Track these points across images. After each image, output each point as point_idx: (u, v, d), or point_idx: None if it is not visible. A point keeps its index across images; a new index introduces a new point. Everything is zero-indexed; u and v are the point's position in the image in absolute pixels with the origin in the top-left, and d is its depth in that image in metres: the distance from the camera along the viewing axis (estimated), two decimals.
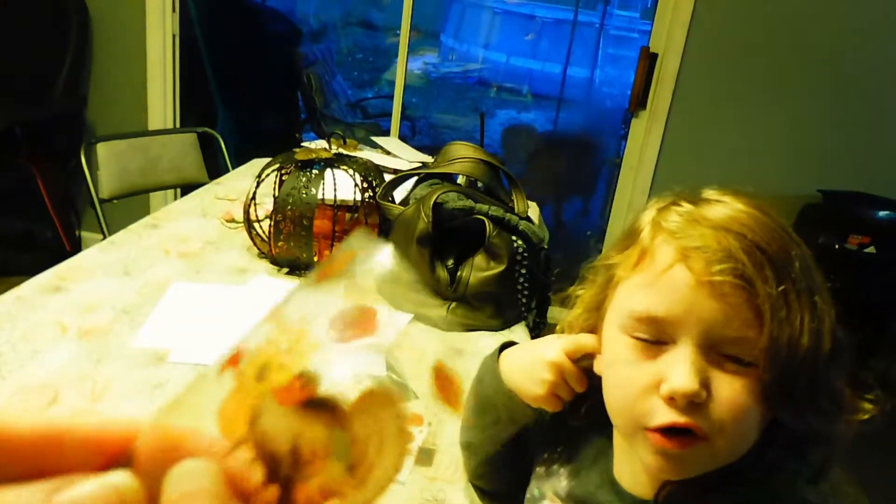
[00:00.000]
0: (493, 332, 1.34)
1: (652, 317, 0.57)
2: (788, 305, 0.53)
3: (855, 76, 2.66)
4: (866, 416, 0.57)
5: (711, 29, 2.67)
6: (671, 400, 0.54)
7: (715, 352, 0.54)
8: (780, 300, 0.53)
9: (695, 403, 0.53)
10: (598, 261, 0.67)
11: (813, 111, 2.73)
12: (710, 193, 0.61)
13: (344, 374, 1.01)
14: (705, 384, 0.53)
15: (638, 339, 0.58)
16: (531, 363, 0.72)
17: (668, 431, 0.55)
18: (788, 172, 2.81)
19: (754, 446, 0.57)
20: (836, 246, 2.62)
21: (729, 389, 0.54)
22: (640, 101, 2.81)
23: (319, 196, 1.41)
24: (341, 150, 1.60)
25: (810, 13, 2.61)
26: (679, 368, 0.54)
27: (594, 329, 0.67)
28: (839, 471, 0.60)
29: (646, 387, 0.56)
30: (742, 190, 0.61)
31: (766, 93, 2.74)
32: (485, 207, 1.35)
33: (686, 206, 0.59)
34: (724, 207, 0.58)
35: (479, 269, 1.32)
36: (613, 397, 0.61)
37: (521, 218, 1.39)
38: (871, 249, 2.61)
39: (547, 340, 0.72)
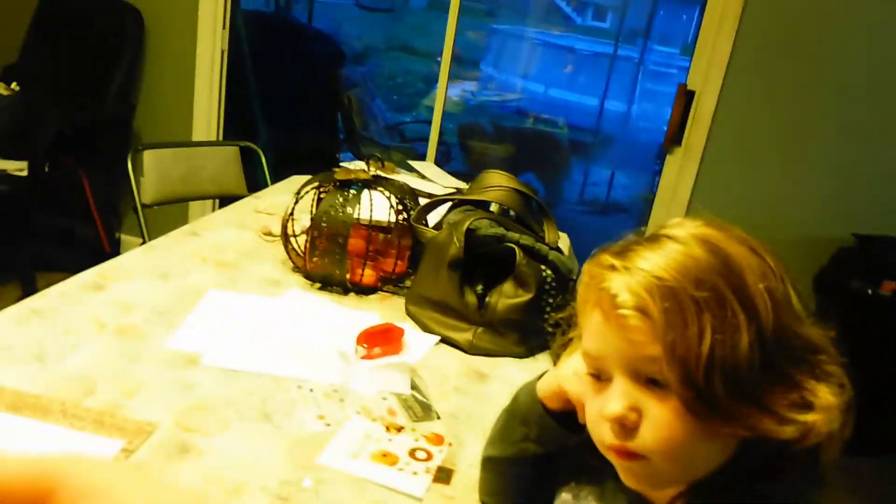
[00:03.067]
0: (518, 360, 1.35)
1: (589, 356, 0.65)
2: (684, 320, 0.58)
3: (893, 119, 2.65)
4: (828, 413, 0.58)
5: (750, 69, 2.68)
6: (611, 424, 0.61)
7: (642, 378, 0.60)
8: (674, 316, 0.58)
9: (628, 427, 0.60)
10: (567, 311, 0.75)
11: (849, 154, 2.71)
12: (661, 229, 0.66)
13: (370, 391, 1.06)
14: (636, 408, 0.60)
15: (591, 375, 0.65)
16: (569, 362, 0.77)
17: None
18: (822, 215, 2.79)
19: (734, 458, 0.60)
20: (870, 291, 2.58)
21: (656, 410, 0.59)
22: (675, 137, 2.82)
23: (355, 215, 1.44)
24: (379, 173, 1.64)
25: (849, 56, 2.61)
26: (610, 398, 0.61)
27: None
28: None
29: (598, 415, 0.63)
30: (703, 217, 0.65)
31: (802, 134, 2.73)
32: (516, 236, 1.38)
33: (604, 256, 0.66)
34: (642, 249, 0.63)
35: (507, 296, 1.34)
36: (588, 427, 0.68)
37: (552, 248, 1.41)
38: None
39: None
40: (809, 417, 0.58)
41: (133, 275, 1.39)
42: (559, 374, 0.77)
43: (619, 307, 0.60)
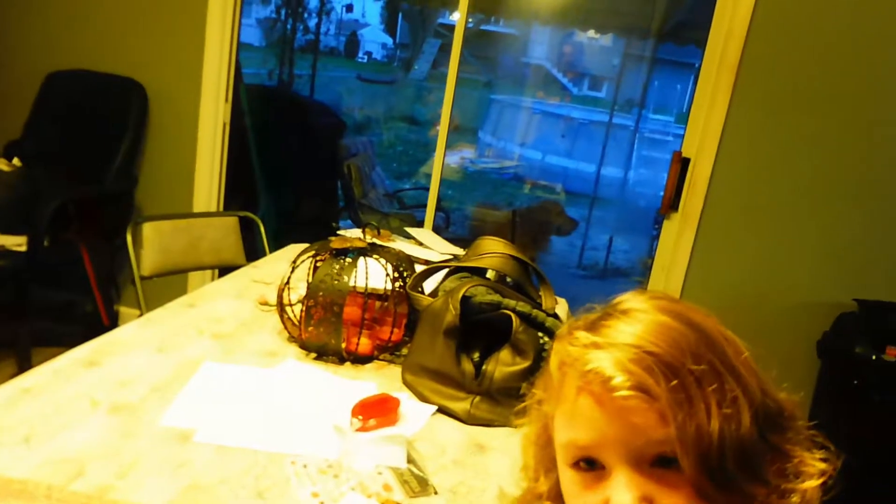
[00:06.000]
0: (517, 430, 1.33)
1: (579, 446, 0.59)
2: (689, 398, 0.54)
3: (892, 183, 2.67)
4: (823, 478, 0.56)
5: (744, 136, 2.73)
6: None
7: (647, 465, 0.55)
8: (679, 394, 0.54)
9: None
10: (528, 399, 0.69)
11: (848, 218, 2.73)
12: (618, 305, 0.62)
13: (366, 465, 1.02)
14: (647, 498, 0.54)
15: (578, 469, 0.59)
16: None
17: None
18: (823, 280, 2.79)
19: None
20: (874, 357, 2.55)
21: (670, 499, 0.54)
22: (672, 203, 2.85)
23: (351, 283, 1.44)
24: (375, 240, 1.65)
25: (842, 122, 2.66)
26: (617, 491, 0.55)
27: (552, 466, 0.66)
28: None
29: None
30: (651, 292, 0.63)
31: (799, 199, 2.76)
32: (512, 303, 1.37)
33: (581, 334, 0.61)
34: (616, 323, 0.59)
35: (504, 364, 1.32)
36: None
37: (549, 314, 1.40)
38: None
39: None
40: (805, 485, 0.56)
41: (129, 349, 1.38)
42: None
43: (616, 389, 0.55)
